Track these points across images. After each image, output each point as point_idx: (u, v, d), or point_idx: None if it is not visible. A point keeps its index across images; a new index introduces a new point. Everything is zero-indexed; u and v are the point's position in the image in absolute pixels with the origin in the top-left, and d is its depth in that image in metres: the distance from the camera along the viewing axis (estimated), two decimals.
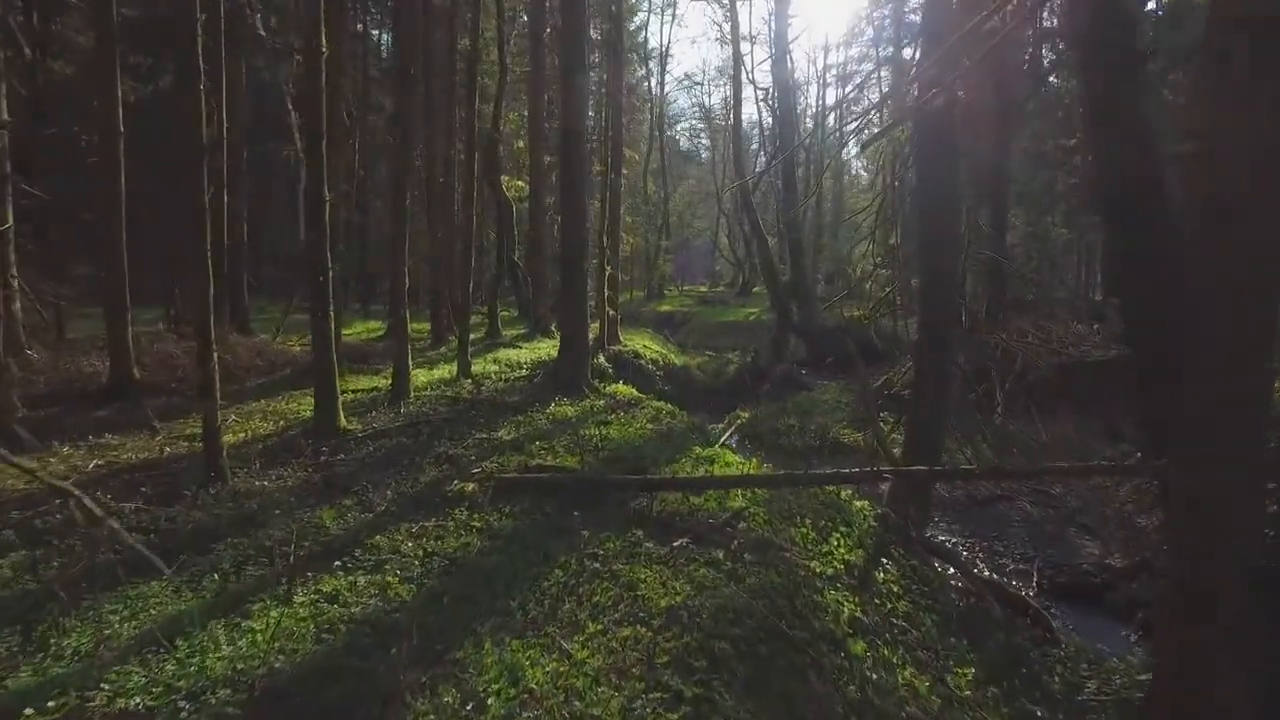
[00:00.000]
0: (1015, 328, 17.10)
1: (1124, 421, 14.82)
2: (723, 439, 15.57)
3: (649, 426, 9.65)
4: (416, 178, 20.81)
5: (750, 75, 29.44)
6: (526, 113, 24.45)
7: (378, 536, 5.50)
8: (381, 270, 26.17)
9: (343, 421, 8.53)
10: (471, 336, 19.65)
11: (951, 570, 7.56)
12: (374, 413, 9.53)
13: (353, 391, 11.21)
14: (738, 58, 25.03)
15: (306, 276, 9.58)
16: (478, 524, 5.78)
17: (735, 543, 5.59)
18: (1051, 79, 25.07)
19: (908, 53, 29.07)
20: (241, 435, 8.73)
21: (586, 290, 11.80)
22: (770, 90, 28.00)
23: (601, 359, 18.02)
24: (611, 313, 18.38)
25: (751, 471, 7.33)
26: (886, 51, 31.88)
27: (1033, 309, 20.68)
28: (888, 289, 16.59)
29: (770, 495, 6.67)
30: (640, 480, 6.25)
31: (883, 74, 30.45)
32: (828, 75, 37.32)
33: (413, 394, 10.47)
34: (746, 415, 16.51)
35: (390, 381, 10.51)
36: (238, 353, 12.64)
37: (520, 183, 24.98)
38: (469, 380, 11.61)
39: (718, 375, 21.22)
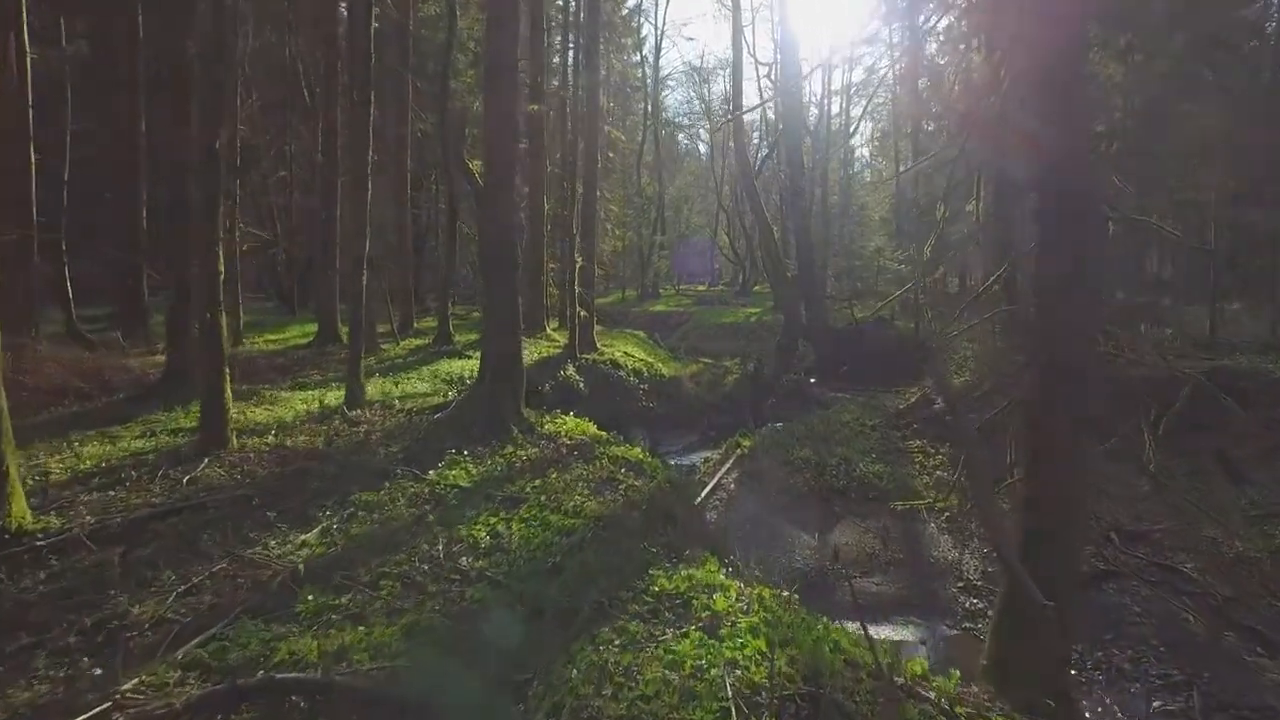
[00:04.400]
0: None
1: (1239, 453, 10.61)
2: (718, 477, 11.44)
3: (590, 504, 5.49)
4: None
5: (751, 50, 25.22)
6: None
7: None
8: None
9: (20, 514, 4.41)
10: (416, 343, 15.62)
11: None
12: (132, 484, 5.39)
13: (169, 433, 7.11)
14: (737, 29, 20.81)
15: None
16: None
17: None
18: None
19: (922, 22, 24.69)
20: None
21: (517, 287, 7.62)
22: (773, 66, 23.77)
23: (571, 370, 13.88)
24: (583, 314, 14.22)
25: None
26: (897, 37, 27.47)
27: None
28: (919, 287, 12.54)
29: None
30: None
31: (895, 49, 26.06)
32: (834, 58, 32.97)
33: (235, 442, 6.36)
34: (748, 444, 12.34)
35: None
36: (44, 371, 8.54)
37: None
38: (347, 415, 7.47)
39: (714, 388, 17.00)
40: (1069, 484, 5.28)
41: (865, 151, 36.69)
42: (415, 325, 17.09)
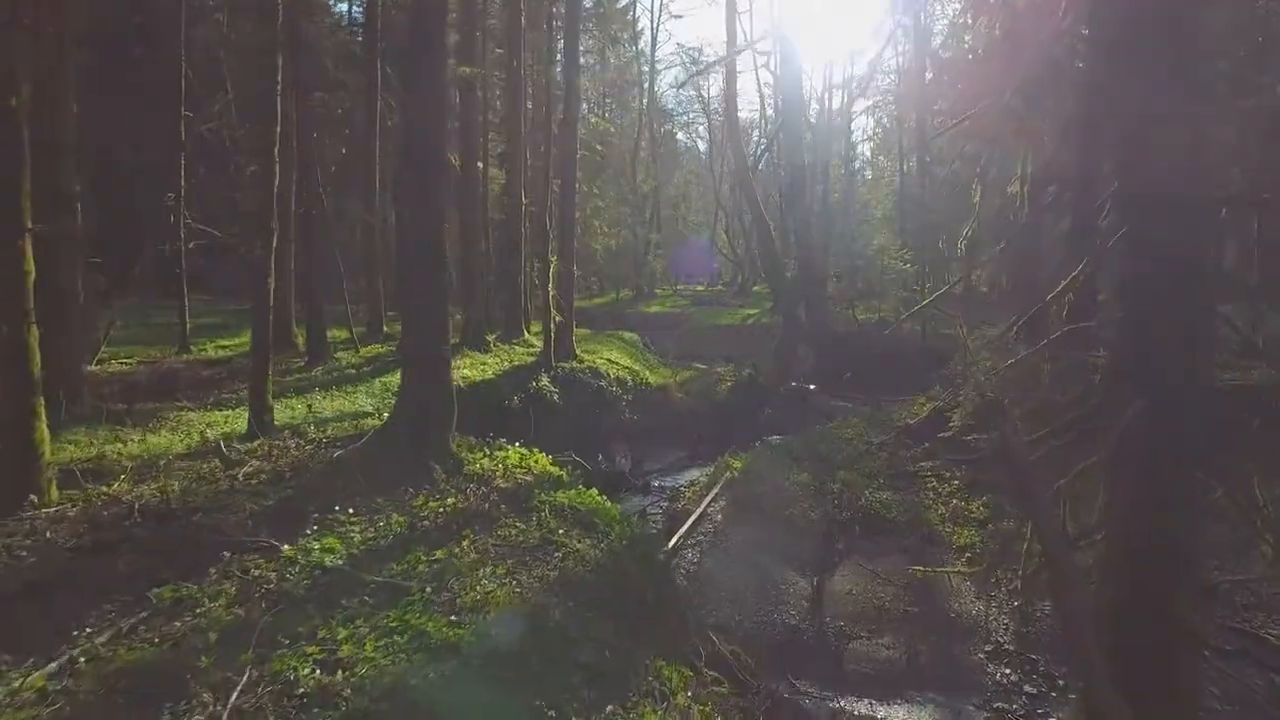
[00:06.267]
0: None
1: None
2: (703, 506, 9.79)
3: (500, 592, 3.83)
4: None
5: (749, 37, 23.54)
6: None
7: None
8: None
9: None
10: (379, 350, 13.94)
11: None
12: None
13: None
14: (732, 11, 19.11)
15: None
16: None
17: None
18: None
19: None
20: None
21: (445, 292, 5.99)
22: (771, 56, 22.04)
23: (544, 381, 12.24)
24: (560, 319, 12.57)
25: None
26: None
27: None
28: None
29: None
30: None
31: (901, 48, 24.24)
32: (834, 52, 31.23)
33: (56, 494, 4.77)
34: (740, 465, 10.69)
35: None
36: None
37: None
38: (225, 452, 5.84)
39: (705, 396, 15.30)
40: (1184, 560, 3.62)
41: (867, 149, 34.88)
42: (385, 330, 15.48)
